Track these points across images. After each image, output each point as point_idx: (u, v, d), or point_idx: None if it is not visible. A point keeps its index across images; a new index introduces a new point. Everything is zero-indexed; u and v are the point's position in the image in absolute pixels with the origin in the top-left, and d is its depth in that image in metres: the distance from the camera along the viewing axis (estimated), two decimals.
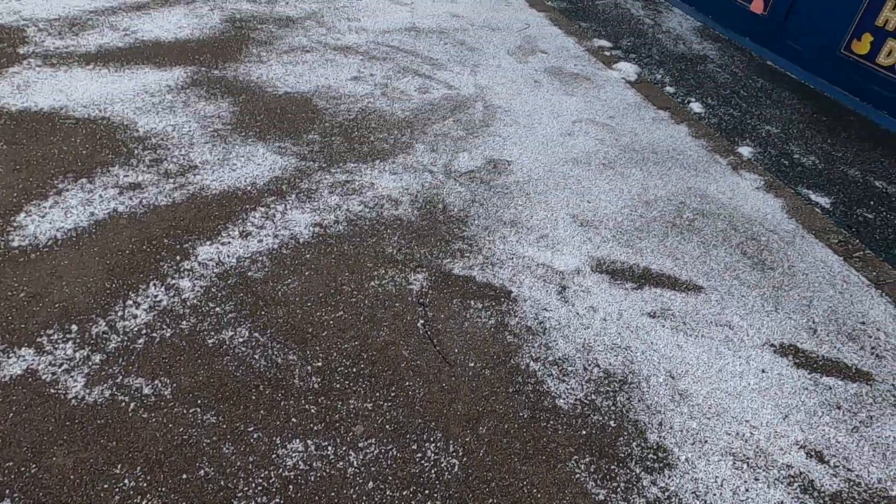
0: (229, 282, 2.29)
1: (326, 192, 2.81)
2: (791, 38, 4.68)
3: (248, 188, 2.77)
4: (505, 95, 3.87)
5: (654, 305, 2.46)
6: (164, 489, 1.67)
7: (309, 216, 2.65)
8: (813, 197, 3.31)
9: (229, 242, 2.47)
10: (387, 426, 1.89)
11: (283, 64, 3.86)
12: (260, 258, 2.41)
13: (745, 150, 3.65)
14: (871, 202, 3.32)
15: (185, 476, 1.70)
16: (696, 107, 4.09)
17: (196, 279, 2.29)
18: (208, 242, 2.45)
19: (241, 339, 2.09)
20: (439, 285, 2.41)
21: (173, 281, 2.27)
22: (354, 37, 4.35)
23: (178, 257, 2.37)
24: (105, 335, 2.05)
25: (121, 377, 1.93)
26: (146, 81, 3.45)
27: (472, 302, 2.35)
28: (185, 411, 1.86)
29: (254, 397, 1.92)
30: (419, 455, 1.83)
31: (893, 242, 3.04)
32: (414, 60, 4.13)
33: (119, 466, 1.71)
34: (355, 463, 1.79)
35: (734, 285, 2.62)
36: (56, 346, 2.00)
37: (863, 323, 2.54)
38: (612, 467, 1.87)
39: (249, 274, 2.34)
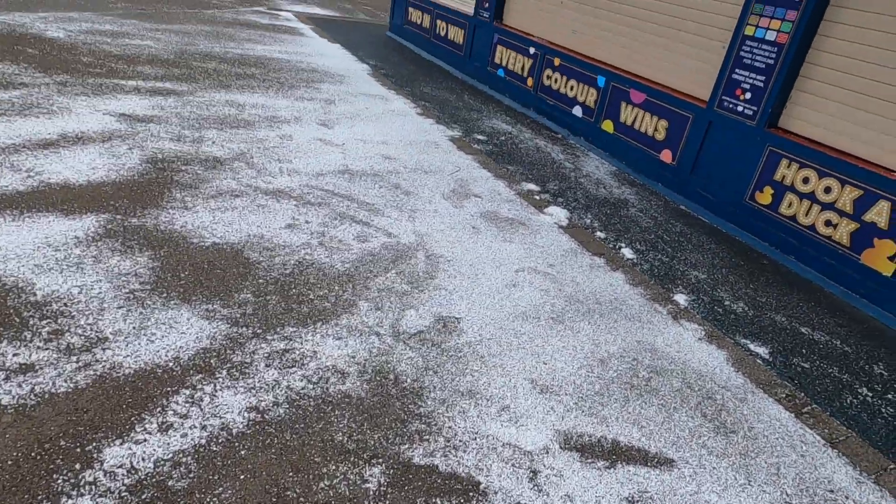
0: (144, 496, 1.87)
1: (263, 364, 2.49)
2: (700, 186, 5.08)
3: (170, 364, 2.39)
4: (445, 243, 3.81)
5: (631, 488, 2.27)
6: None
7: (243, 398, 2.31)
8: (752, 347, 3.38)
9: (145, 440, 2.06)
10: None
11: (210, 210, 3.61)
12: (184, 459, 2.01)
13: (681, 298, 3.75)
14: (804, 351, 3.44)
15: None
16: (627, 252, 4.22)
17: (100, 496, 1.84)
18: (118, 441, 2.03)
19: None
20: (399, 480, 2.10)
21: (69, 501, 1.81)
22: (287, 179, 4.22)
23: (77, 465, 1.92)
24: None
25: None
26: (50, 233, 3.07)
27: (438, 501, 2.06)
28: None
29: None
30: None
31: (833, 394, 3.11)
32: (350, 206, 4.03)
33: None
34: None
35: (703, 455, 2.51)
36: None
37: (831, 491, 2.48)
38: None
39: (170, 483, 1.93)
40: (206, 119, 5.07)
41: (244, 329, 2.67)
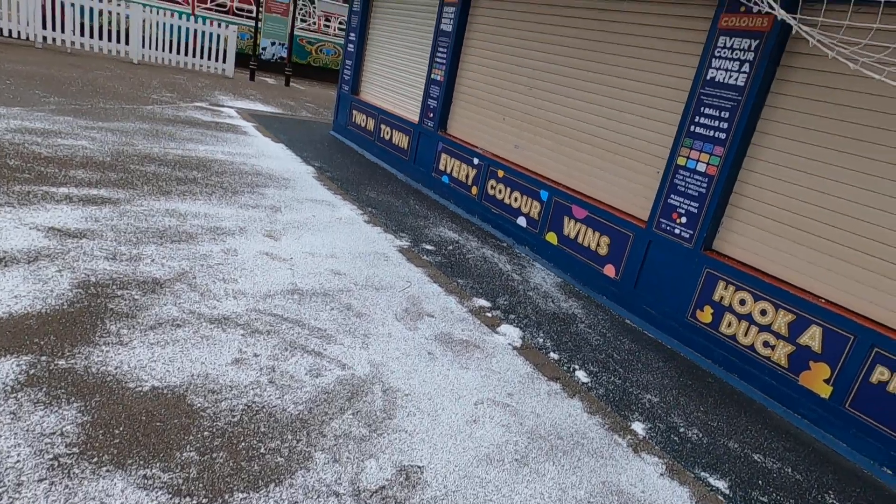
0: None
1: None
2: (644, 301, 5.26)
3: None
4: (402, 373, 3.68)
5: None
6: None
7: None
8: (711, 481, 3.38)
9: None
10: None
11: (148, 345, 3.34)
12: None
13: (639, 427, 3.74)
14: (760, 482, 3.48)
15: None
16: (581, 375, 4.23)
17: None
18: None
19: None
20: None
21: None
22: (233, 303, 4.02)
23: None
24: None
25: None
26: None
27: None
28: None
29: None
30: None
31: None
32: (301, 333, 3.86)
33: None
34: None
35: None
36: None
37: None
38: None
39: None
40: (144, 232, 4.83)
41: (188, 499, 2.40)
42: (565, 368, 4.27)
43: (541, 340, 4.62)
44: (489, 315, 4.85)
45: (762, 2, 3.08)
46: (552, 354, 4.44)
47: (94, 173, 5.98)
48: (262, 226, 5.60)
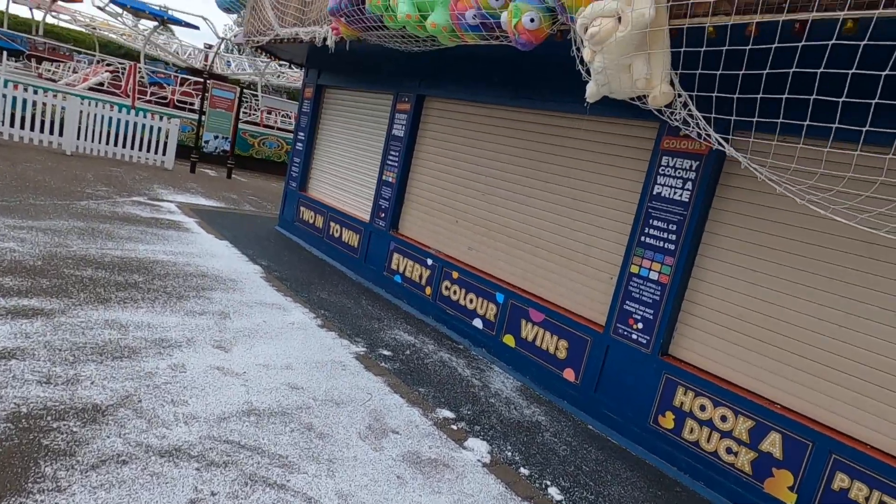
0: None
1: None
2: (605, 406, 5.27)
3: None
4: None
5: None
6: None
7: None
8: None
9: None
10: None
11: (90, 489, 2.98)
12: None
13: None
14: None
15: None
16: (554, 493, 4.10)
17: None
18: None
19: None
20: None
21: None
22: (184, 431, 3.70)
23: None
24: None
25: None
26: None
27: None
28: None
29: None
30: None
31: None
32: (261, 462, 3.57)
33: None
34: None
35: None
36: None
37: None
38: None
39: None
40: (81, 349, 4.46)
41: None
42: (537, 486, 4.14)
43: (509, 454, 4.49)
44: (454, 428, 4.70)
45: (710, 137, 3.38)
46: (522, 470, 4.31)
47: (24, 280, 5.56)
48: (210, 335, 5.31)
